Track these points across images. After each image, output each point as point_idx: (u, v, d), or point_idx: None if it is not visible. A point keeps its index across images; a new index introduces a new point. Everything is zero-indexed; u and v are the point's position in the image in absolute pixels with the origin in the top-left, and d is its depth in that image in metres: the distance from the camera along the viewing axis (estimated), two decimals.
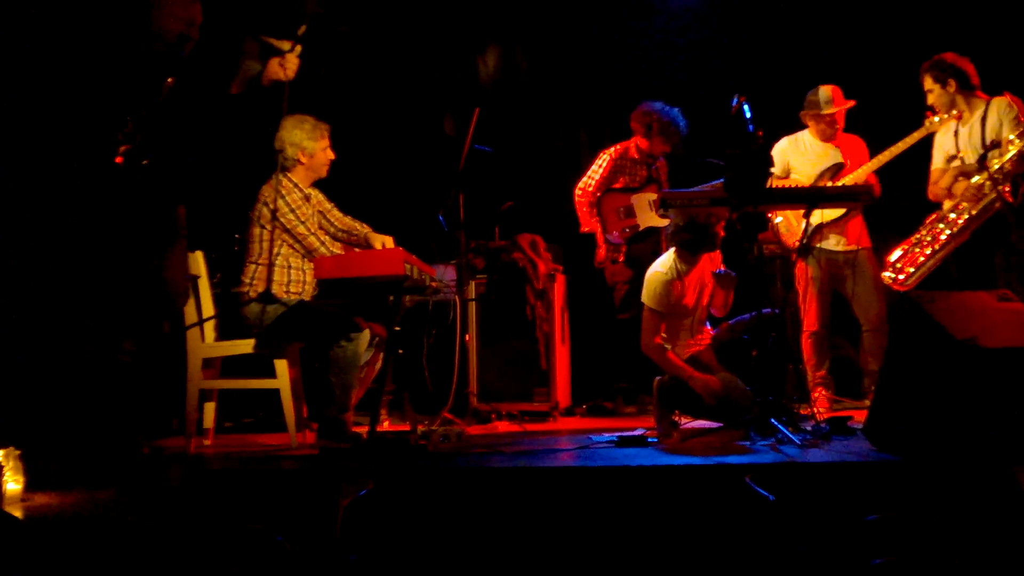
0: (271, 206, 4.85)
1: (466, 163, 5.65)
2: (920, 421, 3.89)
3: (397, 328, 4.88)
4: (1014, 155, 5.04)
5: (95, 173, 4.34)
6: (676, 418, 5.00)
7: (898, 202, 5.85)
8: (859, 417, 4.58)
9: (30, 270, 4.50)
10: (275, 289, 4.83)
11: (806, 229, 4.95)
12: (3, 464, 3.74)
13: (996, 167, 5.06)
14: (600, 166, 6.34)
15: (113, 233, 4.43)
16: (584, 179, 6.38)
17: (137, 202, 4.37)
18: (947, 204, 5.29)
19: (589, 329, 6.54)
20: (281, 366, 4.87)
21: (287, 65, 4.39)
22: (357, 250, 5.09)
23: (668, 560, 3.55)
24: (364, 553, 3.46)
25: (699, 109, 6.30)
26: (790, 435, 4.34)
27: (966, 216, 5.17)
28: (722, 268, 5.07)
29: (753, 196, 4.69)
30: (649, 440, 4.66)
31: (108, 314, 4.55)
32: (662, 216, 5.89)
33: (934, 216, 5.32)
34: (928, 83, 5.34)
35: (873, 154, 5.61)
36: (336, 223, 5.17)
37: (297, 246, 4.94)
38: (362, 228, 5.19)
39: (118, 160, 4.23)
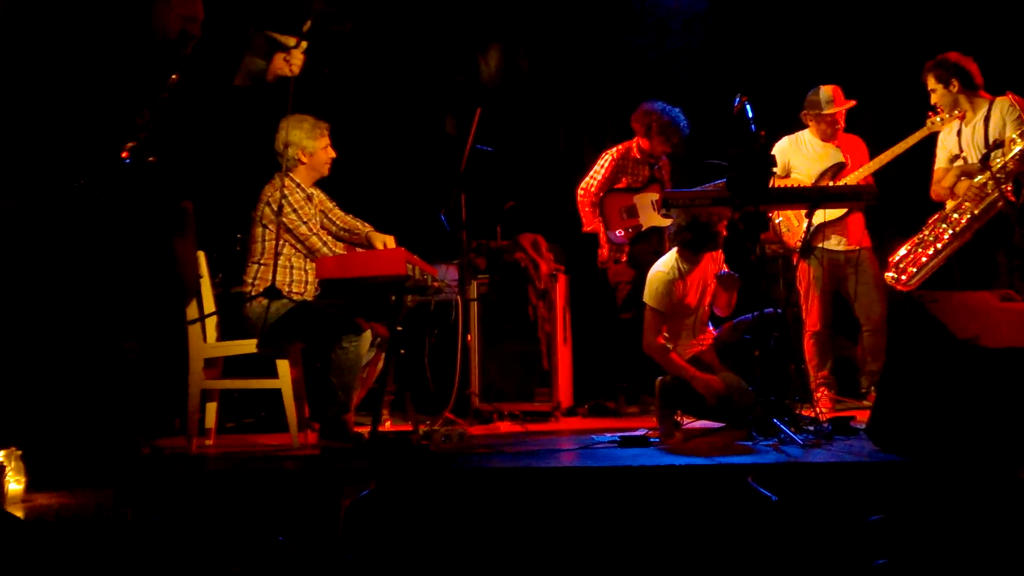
0: (274, 206, 4.85)
1: (468, 163, 5.65)
2: (923, 421, 3.88)
3: (399, 328, 4.88)
4: (1017, 154, 5.03)
5: (98, 170, 4.33)
6: (678, 418, 4.99)
7: (899, 202, 5.85)
8: (861, 417, 4.57)
9: (30, 271, 4.49)
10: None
11: (808, 229, 4.95)
12: (5, 464, 3.74)
13: (999, 166, 5.05)
14: (602, 166, 6.34)
15: (118, 229, 4.42)
16: (586, 179, 6.37)
17: (143, 196, 4.36)
18: (950, 204, 5.28)
19: (591, 329, 6.54)
20: (283, 366, 4.86)
21: (292, 61, 4.37)
22: (359, 250, 5.08)
23: (671, 561, 3.54)
24: (366, 554, 3.46)
25: (701, 109, 6.29)
26: (792, 435, 4.33)
27: (968, 216, 5.17)
28: (725, 269, 5.06)
29: (756, 196, 4.67)
30: (651, 440, 4.66)
31: (110, 313, 4.54)
32: (664, 216, 5.89)
33: (937, 216, 5.31)
34: (931, 83, 5.34)
35: (874, 154, 5.61)
36: (338, 222, 5.16)
37: (299, 246, 4.94)
38: (363, 227, 5.18)
39: (124, 155, 4.22)
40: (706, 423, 5.03)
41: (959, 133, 5.31)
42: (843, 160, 5.67)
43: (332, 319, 4.80)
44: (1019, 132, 5.06)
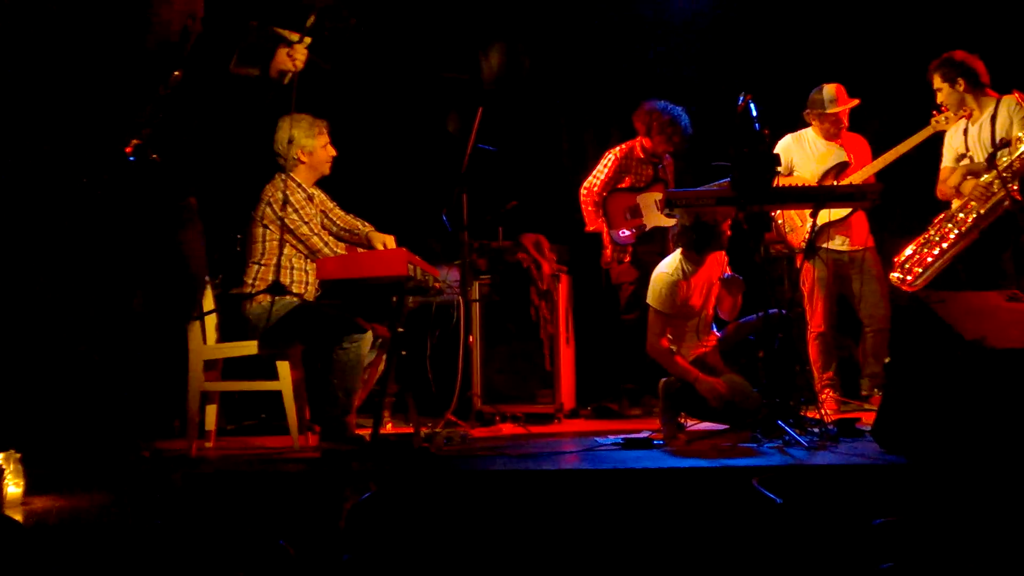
0: (275, 206, 4.83)
1: (470, 162, 5.63)
2: (929, 423, 3.86)
3: (400, 329, 4.85)
4: (1023, 153, 5.01)
5: (102, 168, 4.31)
6: (682, 420, 4.96)
7: (903, 201, 5.82)
8: (867, 419, 4.54)
9: (30, 271, 4.47)
10: None
11: (813, 229, 4.92)
12: (4, 467, 3.72)
13: (1005, 165, 5.03)
14: (605, 165, 6.31)
15: (122, 228, 4.39)
16: (589, 178, 6.34)
17: (148, 194, 4.34)
18: (956, 203, 5.27)
19: (594, 330, 6.51)
20: (283, 368, 4.84)
21: (295, 56, 4.34)
22: (360, 251, 5.06)
23: (674, 563, 3.52)
24: (368, 556, 3.44)
25: (704, 108, 6.27)
26: (797, 437, 4.30)
27: (975, 215, 5.15)
28: (728, 272, 5.04)
29: (760, 195, 4.64)
30: (655, 442, 4.63)
31: (110, 313, 4.52)
32: (668, 216, 5.86)
33: (942, 215, 5.29)
34: (937, 82, 5.32)
35: (877, 153, 5.58)
36: (338, 221, 5.14)
37: (300, 246, 4.92)
38: (364, 227, 5.15)
39: (128, 151, 4.20)
40: (710, 425, 5.00)
41: (965, 132, 5.29)
42: (846, 159, 5.66)
43: (333, 320, 4.77)
44: None
